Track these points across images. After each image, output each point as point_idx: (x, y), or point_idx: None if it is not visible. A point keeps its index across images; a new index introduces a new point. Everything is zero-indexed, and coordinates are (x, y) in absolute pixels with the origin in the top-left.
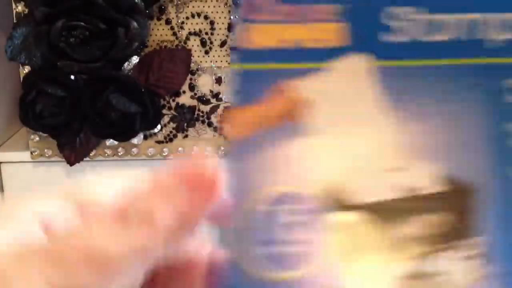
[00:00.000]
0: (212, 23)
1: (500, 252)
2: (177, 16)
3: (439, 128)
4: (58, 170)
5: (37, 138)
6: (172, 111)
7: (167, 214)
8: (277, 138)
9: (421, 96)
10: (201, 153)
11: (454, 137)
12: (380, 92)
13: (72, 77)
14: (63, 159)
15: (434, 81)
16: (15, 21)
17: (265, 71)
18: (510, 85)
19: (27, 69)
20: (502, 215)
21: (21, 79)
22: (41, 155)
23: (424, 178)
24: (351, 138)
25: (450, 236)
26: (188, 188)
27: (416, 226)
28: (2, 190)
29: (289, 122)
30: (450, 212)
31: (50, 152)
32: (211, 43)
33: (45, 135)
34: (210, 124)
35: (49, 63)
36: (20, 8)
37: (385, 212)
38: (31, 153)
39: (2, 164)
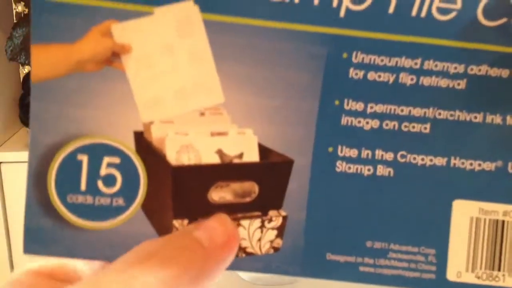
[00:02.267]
0: None
1: (296, 229)
2: None
3: (266, 94)
4: None
5: None
6: None
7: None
8: (89, 83)
9: (249, 57)
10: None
11: (281, 106)
12: (203, 46)
13: None
14: None
15: (268, 44)
16: (15, 21)
17: (82, 6)
18: (358, 60)
19: (27, 69)
20: (313, 194)
21: (21, 79)
22: None
23: (239, 146)
24: (166, 90)
25: (253, 206)
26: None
27: (222, 192)
28: (2, 190)
29: (102, 67)
30: (258, 183)
31: None
32: None
33: None
34: None
35: None
36: (20, 8)
37: (198, 175)
38: None
39: (2, 164)
